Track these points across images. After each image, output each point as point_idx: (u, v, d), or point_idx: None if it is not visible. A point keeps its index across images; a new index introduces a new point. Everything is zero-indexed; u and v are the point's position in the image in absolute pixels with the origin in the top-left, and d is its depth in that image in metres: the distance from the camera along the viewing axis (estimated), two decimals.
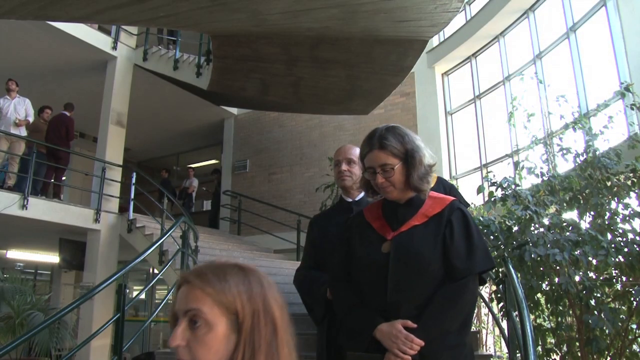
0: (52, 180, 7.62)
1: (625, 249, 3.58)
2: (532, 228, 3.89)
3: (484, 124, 7.78)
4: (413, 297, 1.52)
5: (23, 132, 7.24)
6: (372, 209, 1.73)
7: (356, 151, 2.10)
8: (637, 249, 3.54)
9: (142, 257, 4.21)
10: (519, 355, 2.99)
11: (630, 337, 3.63)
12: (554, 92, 5.07)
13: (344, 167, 2.18)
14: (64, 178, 9.03)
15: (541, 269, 3.73)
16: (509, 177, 4.20)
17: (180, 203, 8.60)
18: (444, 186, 2.58)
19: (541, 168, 4.42)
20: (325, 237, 2.16)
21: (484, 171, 7.37)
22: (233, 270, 0.83)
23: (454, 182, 7.74)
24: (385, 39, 5.30)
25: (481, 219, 4.16)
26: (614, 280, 3.76)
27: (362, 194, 2.15)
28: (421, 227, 1.58)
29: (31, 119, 7.33)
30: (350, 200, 2.23)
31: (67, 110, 7.85)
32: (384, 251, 1.57)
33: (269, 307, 0.81)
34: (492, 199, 4.18)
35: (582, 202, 4.05)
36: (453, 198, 1.65)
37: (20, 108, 7.21)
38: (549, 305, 3.86)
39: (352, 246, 1.68)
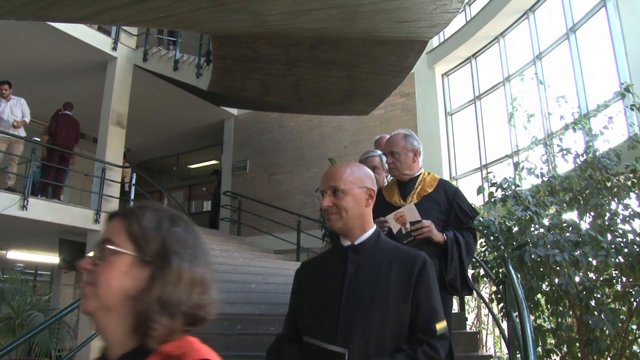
0: (53, 182, 7.62)
1: (625, 250, 3.58)
2: (532, 229, 3.89)
3: (484, 124, 7.78)
4: None
5: (22, 132, 7.23)
6: None
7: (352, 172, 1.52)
8: (637, 249, 3.54)
9: None
10: (519, 355, 2.99)
11: (630, 337, 3.63)
12: (554, 92, 5.07)
13: (326, 201, 1.48)
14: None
15: (541, 269, 3.73)
16: (509, 177, 4.21)
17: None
18: (445, 190, 2.41)
19: (541, 169, 4.42)
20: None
21: (484, 172, 7.37)
22: None
23: (454, 183, 7.74)
24: (385, 40, 5.30)
25: (481, 219, 4.16)
26: (614, 280, 3.77)
27: (368, 234, 1.51)
28: None
29: (28, 119, 7.31)
30: (348, 243, 1.51)
31: (68, 109, 7.85)
32: None
33: None
34: (492, 200, 4.19)
35: (582, 202, 4.05)
36: None
37: (17, 109, 7.19)
38: (549, 305, 3.86)
39: None
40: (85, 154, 9.10)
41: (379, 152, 3.11)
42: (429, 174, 2.49)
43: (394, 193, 2.48)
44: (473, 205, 2.53)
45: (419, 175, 2.46)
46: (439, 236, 2.26)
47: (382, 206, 2.38)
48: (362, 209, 1.49)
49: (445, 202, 2.38)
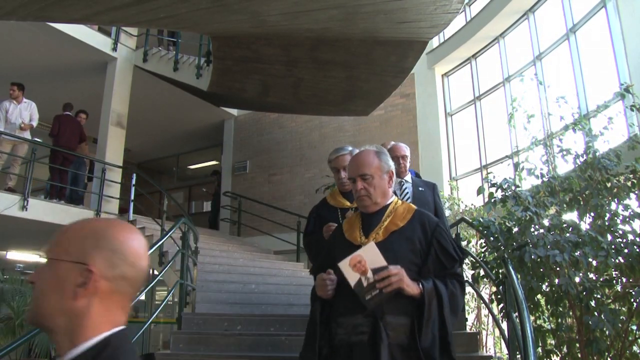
0: (57, 183, 7.62)
1: (625, 250, 3.58)
2: (532, 229, 3.89)
3: (484, 125, 7.78)
4: None
5: (27, 135, 7.24)
6: None
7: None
8: (637, 250, 3.54)
9: None
10: (519, 356, 2.99)
11: (630, 338, 3.63)
12: (554, 93, 5.07)
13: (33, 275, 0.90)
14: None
15: (541, 270, 3.73)
16: (509, 178, 4.21)
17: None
18: (422, 224, 1.82)
19: (541, 169, 4.42)
20: None
21: (484, 172, 7.37)
22: None
23: (454, 184, 7.74)
24: (385, 40, 5.30)
25: (481, 220, 4.16)
26: (614, 281, 3.77)
27: (79, 350, 0.81)
28: None
29: (35, 124, 7.32)
30: None
31: (68, 110, 7.86)
32: None
33: None
34: (492, 200, 4.19)
35: (582, 203, 4.05)
36: None
37: (26, 113, 7.21)
38: (549, 306, 3.86)
39: None
40: (85, 155, 9.09)
41: (350, 148, 2.66)
42: (402, 202, 1.91)
43: (356, 228, 1.89)
44: (460, 245, 1.95)
45: (389, 205, 1.88)
46: (412, 287, 1.68)
47: (342, 246, 1.85)
48: (65, 301, 0.80)
49: (422, 239, 1.79)
